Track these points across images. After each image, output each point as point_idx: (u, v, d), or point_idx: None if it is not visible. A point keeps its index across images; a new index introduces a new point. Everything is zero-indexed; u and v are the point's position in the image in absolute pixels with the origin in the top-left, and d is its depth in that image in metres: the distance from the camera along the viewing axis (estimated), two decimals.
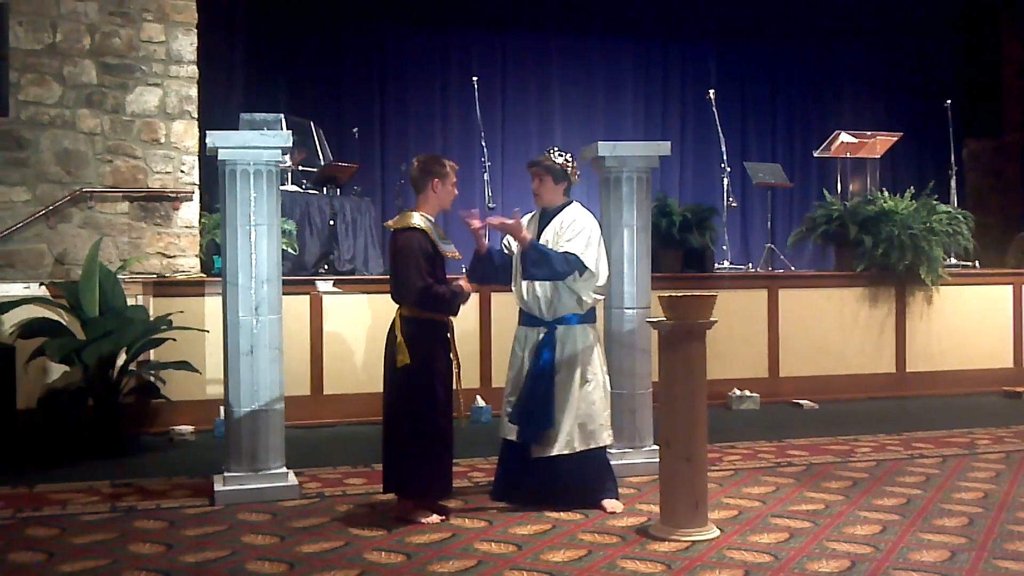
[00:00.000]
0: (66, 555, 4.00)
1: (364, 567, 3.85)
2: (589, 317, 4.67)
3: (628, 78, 11.23)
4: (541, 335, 4.60)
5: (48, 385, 6.08)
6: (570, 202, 4.73)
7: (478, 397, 6.80)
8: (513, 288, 4.74)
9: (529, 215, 4.79)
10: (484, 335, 6.97)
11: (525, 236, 4.54)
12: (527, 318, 4.69)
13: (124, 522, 4.48)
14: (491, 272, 4.75)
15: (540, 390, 4.54)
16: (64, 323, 5.99)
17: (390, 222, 4.64)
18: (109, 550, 4.07)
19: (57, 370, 6.08)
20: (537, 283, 4.59)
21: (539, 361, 4.56)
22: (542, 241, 4.61)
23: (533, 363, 4.58)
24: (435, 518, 4.45)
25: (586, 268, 4.54)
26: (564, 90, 11.01)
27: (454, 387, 4.51)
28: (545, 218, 4.71)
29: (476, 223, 4.54)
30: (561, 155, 4.72)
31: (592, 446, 4.60)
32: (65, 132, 6.66)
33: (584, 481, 4.61)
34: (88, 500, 4.84)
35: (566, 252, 4.51)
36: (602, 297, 4.73)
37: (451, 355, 4.52)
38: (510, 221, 4.55)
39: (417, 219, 4.47)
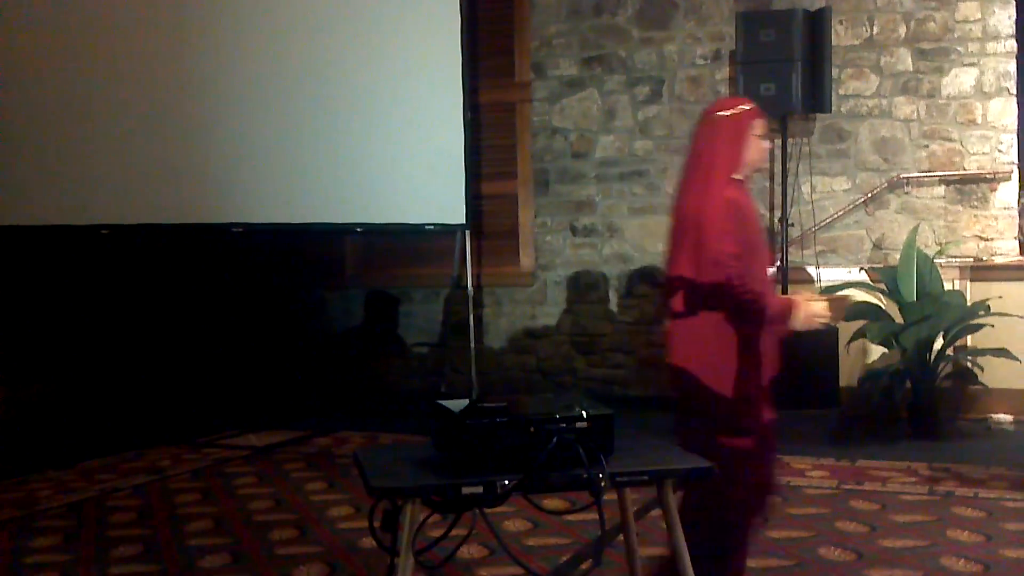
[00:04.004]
0: (886, 531, 4.21)
1: None
2: None
3: None
4: None
5: (867, 365, 6.41)
6: None
7: None
8: None
9: None
10: None
11: None
12: None
13: (941, 506, 4.54)
14: None
15: None
16: (883, 306, 6.25)
17: None
18: (927, 532, 4.18)
19: (876, 351, 6.37)
20: None
21: None
22: None
23: None
24: None
25: None
26: None
27: None
28: None
29: None
30: None
31: None
32: (882, 121, 6.91)
33: None
34: (906, 480, 5.01)
35: None
36: None
37: None
38: None
39: None
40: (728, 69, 7.10)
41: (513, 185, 7.74)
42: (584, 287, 7.55)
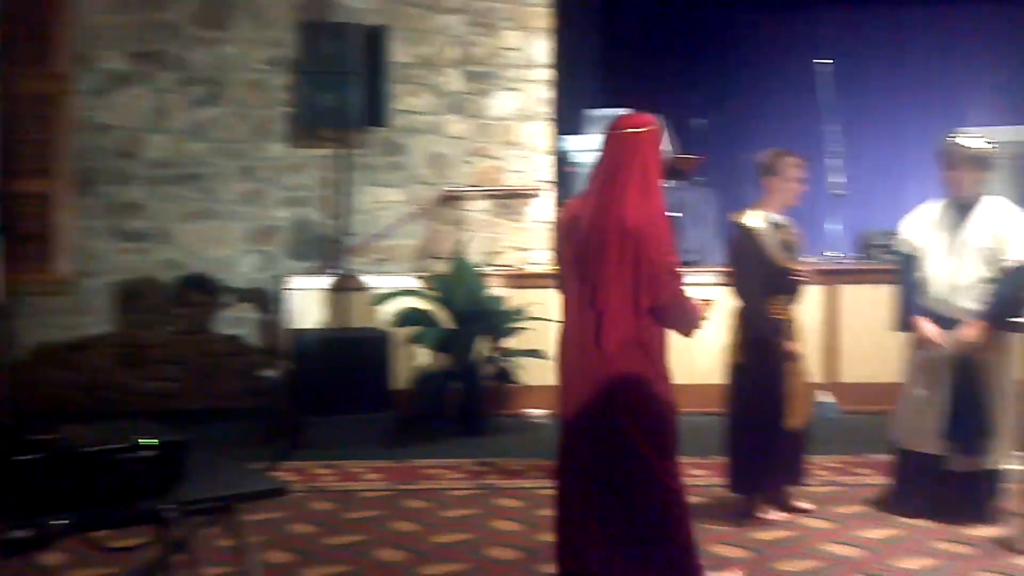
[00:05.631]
0: (438, 527, 4.45)
1: (712, 560, 3.95)
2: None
3: (997, 49, 10.27)
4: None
5: (420, 369, 6.70)
6: (986, 194, 4.40)
7: (823, 392, 6.67)
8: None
9: (925, 215, 4.54)
10: (831, 328, 6.83)
11: (974, 331, 4.29)
12: (946, 321, 4.41)
13: (486, 499, 4.88)
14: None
15: (980, 399, 4.33)
16: (434, 312, 6.58)
17: (734, 214, 4.66)
18: (474, 525, 4.47)
19: (428, 355, 6.69)
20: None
21: (979, 369, 4.34)
22: (975, 241, 4.33)
23: (970, 370, 4.35)
24: (780, 515, 4.47)
25: None
26: (919, 66, 10.33)
27: (792, 383, 4.47)
28: (960, 212, 4.41)
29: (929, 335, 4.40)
30: (976, 138, 4.42)
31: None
32: (435, 137, 7.28)
33: (992, 496, 4.32)
34: (455, 476, 5.32)
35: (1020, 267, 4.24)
36: None
37: (789, 350, 4.47)
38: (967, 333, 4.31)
39: (750, 217, 4.48)
40: (289, 77, 7.06)
41: (50, 184, 7.07)
42: (132, 295, 7.09)
